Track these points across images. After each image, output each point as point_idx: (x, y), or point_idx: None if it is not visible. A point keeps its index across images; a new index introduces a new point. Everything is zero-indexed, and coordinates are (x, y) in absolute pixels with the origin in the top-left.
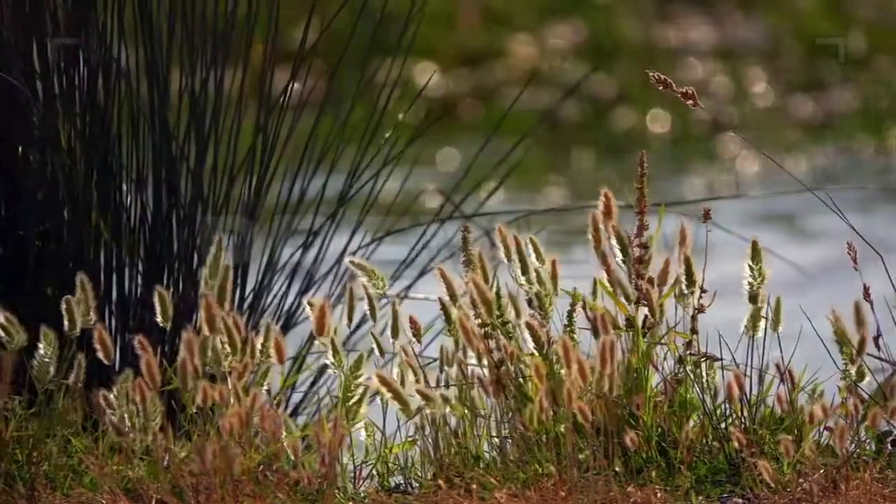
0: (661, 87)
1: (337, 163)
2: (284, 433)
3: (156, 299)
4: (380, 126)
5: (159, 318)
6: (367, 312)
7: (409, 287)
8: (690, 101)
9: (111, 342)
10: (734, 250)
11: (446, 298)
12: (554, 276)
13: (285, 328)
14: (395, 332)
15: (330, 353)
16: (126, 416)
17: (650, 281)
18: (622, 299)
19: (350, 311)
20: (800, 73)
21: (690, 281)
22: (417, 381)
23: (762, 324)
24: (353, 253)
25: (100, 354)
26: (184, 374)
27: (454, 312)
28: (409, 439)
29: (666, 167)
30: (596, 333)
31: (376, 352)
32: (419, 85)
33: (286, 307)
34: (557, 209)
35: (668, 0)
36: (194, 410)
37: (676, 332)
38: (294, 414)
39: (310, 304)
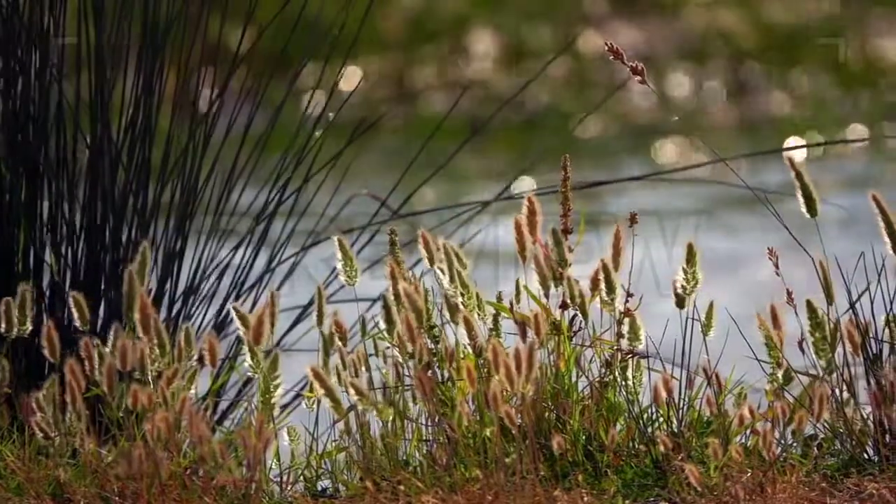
0: (612, 57)
1: (262, 168)
2: (210, 437)
3: (71, 304)
4: (303, 130)
5: (77, 323)
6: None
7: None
8: (639, 77)
9: (58, 341)
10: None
11: (391, 299)
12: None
13: (217, 331)
14: (320, 320)
15: (248, 356)
16: (51, 420)
17: (574, 283)
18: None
19: (272, 317)
20: (725, 77)
21: (610, 287)
22: (344, 379)
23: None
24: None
25: (45, 352)
26: (111, 377)
27: (395, 313)
28: (337, 445)
29: (597, 170)
30: (523, 336)
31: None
32: (343, 89)
33: (217, 310)
34: (485, 202)
35: (594, 5)
36: (121, 414)
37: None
38: (223, 419)
39: (236, 310)
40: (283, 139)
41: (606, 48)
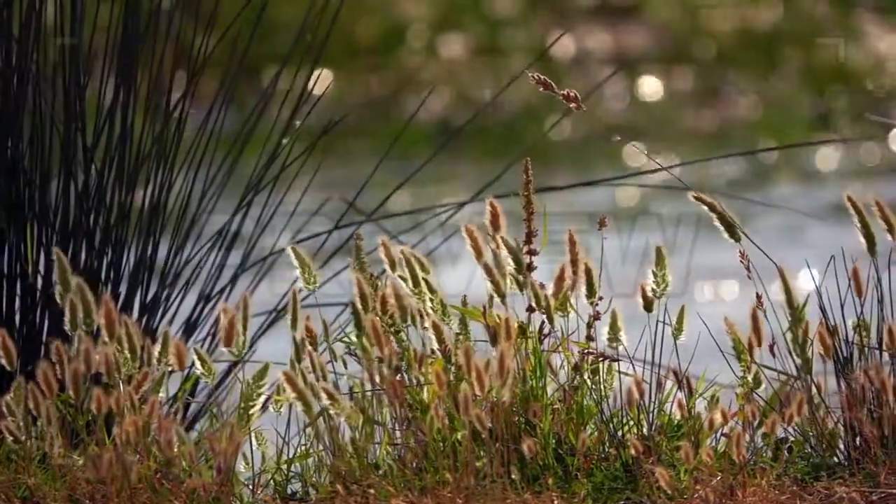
0: (542, 89)
1: (236, 169)
2: (180, 441)
3: (66, 306)
4: (274, 133)
5: (68, 326)
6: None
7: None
8: (573, 104)
9: (14, 348)
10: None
11: (359, 303)
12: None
13: (188, 333)
14: (294, 324)
15: (198, 363)
16: (21, 423)
17: (542, 287)
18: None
19: (244, 320)
20: (698, 80)
21: (591, 291)
22: (318, 382)
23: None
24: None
25: (2, 360)
26: (78, 381)
27: (365, 317)
28: (307, 450)
29: (568, 174)
30: (493, 341)
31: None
32: (314, 93)
33: (188, 311)
34: (458, 203)
35: (566, 8)
36: (90, 418)
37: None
38: (194, 422)
39: (226, 311)
40: (254, 143)
41: (535, 81)
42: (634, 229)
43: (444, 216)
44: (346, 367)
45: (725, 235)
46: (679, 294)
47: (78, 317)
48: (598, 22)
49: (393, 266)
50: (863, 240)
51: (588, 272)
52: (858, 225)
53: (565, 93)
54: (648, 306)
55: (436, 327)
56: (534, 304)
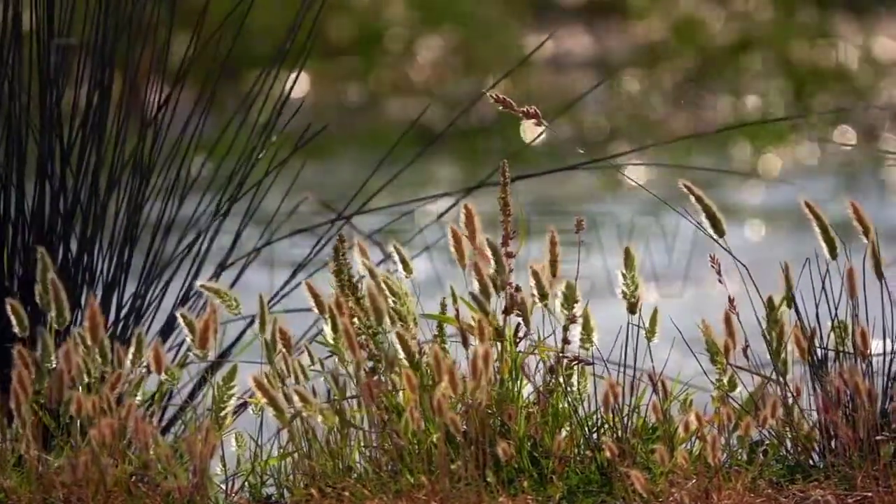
0: (501, 107)
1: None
2: (155, 444)
3: (9, 310)
4: (254, 136)
5: (16, 329)
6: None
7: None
8: (533, 120)
9: None
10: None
11: (335, 307)
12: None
13: (165, 334)
14: (263, 327)
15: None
16: None
17: (518, 289)
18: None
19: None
20: (676, 83)
21: (542, 295)
22: (296, 383)
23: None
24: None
25: None
26: (59, 383)
27: (339, 320)
28: (282, 452)
29: (550, 176)
30: (465, 344)
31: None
32: (291, 96)
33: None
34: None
35: (547, 10)
36: (67, 420)
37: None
38: (170, 425)
39: (183, 317)
40: (232, 147)
41: (493, 99)
42: (635, 230)
43: (438, 211)
44: (322, 368)
45: (711, 230)
46: (678, 294)
47: (24, 319)
48: (578, 24)
49: (339, 273)
50: (823, 244)
51: (535, 275)
52: (818, 230)
53: (524, 110)
54: (632, 308)
55: (400, 337)
56: (509, 307)
